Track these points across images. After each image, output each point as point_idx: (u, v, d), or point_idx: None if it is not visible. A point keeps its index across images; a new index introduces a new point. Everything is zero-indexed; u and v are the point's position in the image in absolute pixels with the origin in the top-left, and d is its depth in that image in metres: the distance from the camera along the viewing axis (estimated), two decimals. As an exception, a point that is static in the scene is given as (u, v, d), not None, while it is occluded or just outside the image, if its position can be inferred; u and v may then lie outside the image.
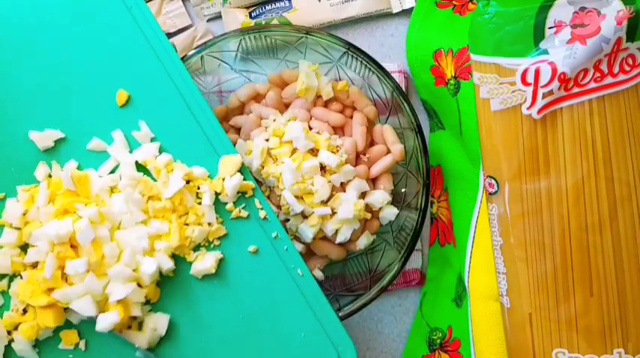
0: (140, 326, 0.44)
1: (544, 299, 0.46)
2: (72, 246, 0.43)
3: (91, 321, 0.44)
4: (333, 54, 0.53)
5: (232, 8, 0.58)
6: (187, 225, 0.45)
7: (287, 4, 0.58)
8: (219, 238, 0.46)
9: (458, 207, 0.53)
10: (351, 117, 0.53)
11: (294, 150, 0.50)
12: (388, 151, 0.53)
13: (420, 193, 0.52)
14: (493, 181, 0.47)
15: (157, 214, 0.44)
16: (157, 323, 0.44)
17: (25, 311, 0.44)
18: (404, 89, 0.57)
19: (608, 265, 0.45)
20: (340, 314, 0.50)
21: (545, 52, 0.45)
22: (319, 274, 0.53)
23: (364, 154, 0.53)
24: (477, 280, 0.50)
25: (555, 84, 0.45)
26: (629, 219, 0.46)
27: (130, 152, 0.46)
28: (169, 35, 0.58)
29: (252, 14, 0.58)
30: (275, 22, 0.57)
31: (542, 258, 0.46)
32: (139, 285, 0.43)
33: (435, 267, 0.57)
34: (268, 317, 0.45)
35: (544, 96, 0.45)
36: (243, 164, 0.46)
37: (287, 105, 0.53)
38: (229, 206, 0.46)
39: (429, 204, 0.55)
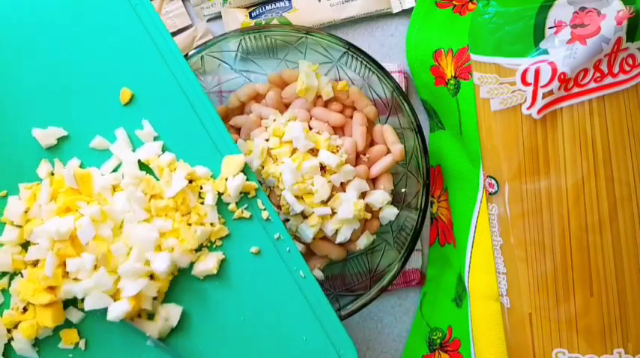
0: (150, 316, 0.44)
1: (544, 299, 0.46)
2: (74, 244, 0.43)
3: (91, 321, 0.44)
4: (333, 54, 0.53)
5: (232, 8, 0.58)
6: (190, 224, 0.45)
7: (287, 4, 0.58)
8: (221, 238, 0.45)
9: (458, 207, 0.53)
10: (351, 117, 0.53)
11: (294, 150, 0.50)
12: (388, 151, 0.53)
13: (420, 193, 0.52)
14: (493, 181, 0.47)
15: (159, 213, 0.44)
16: (170, 313, 0.44)
17: (25, 309, 0.43)
18: (404, 89, 0.57)
19: (608, 265, 0.45)
20: (340, 314, 0.50)
21: (545, 52, 0.45)
22: (319, 274, 0.52)
23: (364, 154, 0.53)
24: (477, 280, 0.50)
25: (555, 84, 0.45)
26: (629, 219, 0.46)
27: (133, 151, 0.46)
28: (169, 35, 0.58)
29: (252, 14, 0.58)
30: (275, 22, 0.57)
31: (542, 258, 0.46)
32: (151, 278, 0.43)
33: (435, 267, 0.57)
34: (269, 319, 0.45)
35: (544, 96, 0.45)
36: (246, 164, 0.46)
37: (287, 105, 0.53)
38: (232, 206, 0.46)
39: (429, 204, 0.55)
